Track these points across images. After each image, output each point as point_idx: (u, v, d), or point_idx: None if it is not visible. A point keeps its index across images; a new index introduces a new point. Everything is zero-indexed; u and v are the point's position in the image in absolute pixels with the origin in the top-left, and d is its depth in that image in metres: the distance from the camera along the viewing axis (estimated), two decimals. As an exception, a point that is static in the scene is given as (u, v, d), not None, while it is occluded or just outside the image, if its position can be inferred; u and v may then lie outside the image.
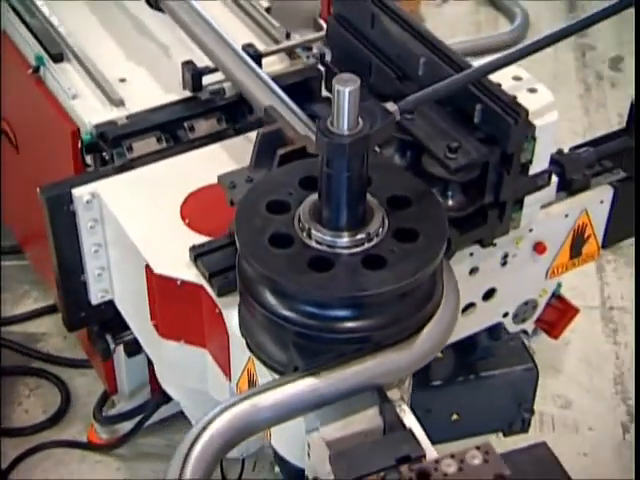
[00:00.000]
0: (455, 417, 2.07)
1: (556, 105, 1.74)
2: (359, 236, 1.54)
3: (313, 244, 1.55)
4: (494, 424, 2.15)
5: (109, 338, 2.35)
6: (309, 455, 1.62)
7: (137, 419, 2.69)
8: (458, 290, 1.69)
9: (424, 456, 1.46)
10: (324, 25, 3.88)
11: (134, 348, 2.45)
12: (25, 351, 2.96)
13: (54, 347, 3.00)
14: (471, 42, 4.11)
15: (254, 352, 1.67)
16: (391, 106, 1.54)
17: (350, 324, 1.54)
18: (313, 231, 1.55)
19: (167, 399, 2.61)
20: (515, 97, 1.71)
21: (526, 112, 1.65)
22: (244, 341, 1.71)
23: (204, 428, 1.50)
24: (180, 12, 2.21)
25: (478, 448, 1.30)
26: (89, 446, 2.76)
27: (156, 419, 2.71)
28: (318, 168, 1.56)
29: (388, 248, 1.54)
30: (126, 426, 2.72)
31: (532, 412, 2.12)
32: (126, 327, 2.34)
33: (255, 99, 2.05)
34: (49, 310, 3.05)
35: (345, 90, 1.43)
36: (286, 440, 1.72)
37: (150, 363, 2.55)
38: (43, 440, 2.78)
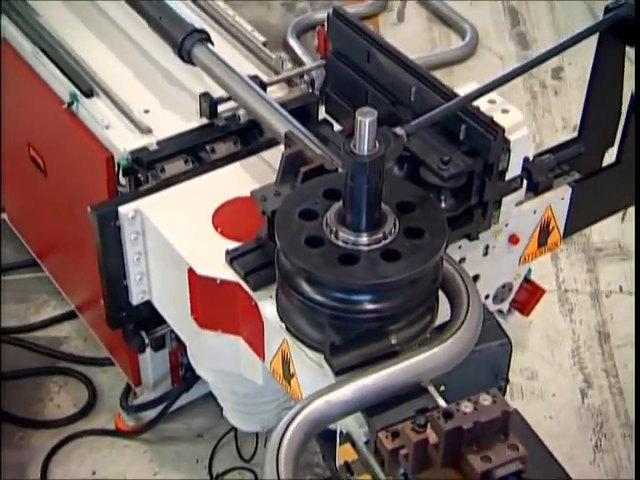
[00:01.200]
0: (443, 388, 2.44)
1: (526, 123, 2.12)
2: (377, 235, 1.86)
3: (340, 243, 1.87)
4: (476, 392, 2.53)
5: (144, 334, 2.69)
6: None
7: (160, 407, 2.94)
8: (480, 297, 1.99)
9: (438, 406, 1.84)
10: (294, 48, 4.26)
11: (160, 344, 2.76)
12: (52, 353, 3.23)
13: (76, 348, 3.27)
14: (428, 57, 4.46)
15: (293, 333, 1.99)
16: (400, 130, 1.92)
17: (373, 306, 1.87)
18: (340, 233, 1.87)
19: (187, 388, 2.92)
20: (492, 117, 2.10)
21: (502, 130, 2.04)
22: (278, 326, 2.04)
23: (289, 424, 1.76)
24: (208, 62, 2.54)
25: (488, 393, 1.69)
26: (118, 433, 3.03)
27: (177, 406, 2.96)
28: (336, 182, 1.92)
29: (401, 244, 1.87)
30: (150, 414, 2.97)
31: (507, 381, 2.49)
32: (156, 325, 2.69)
33: (270, 125, 2.38)
34: (68, 316, 3.32)
35: (366, 120, 1.76)
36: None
37: (171, 356, 2.89)
38: (76, 430, 3.03)
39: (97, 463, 2.98)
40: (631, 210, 3.70)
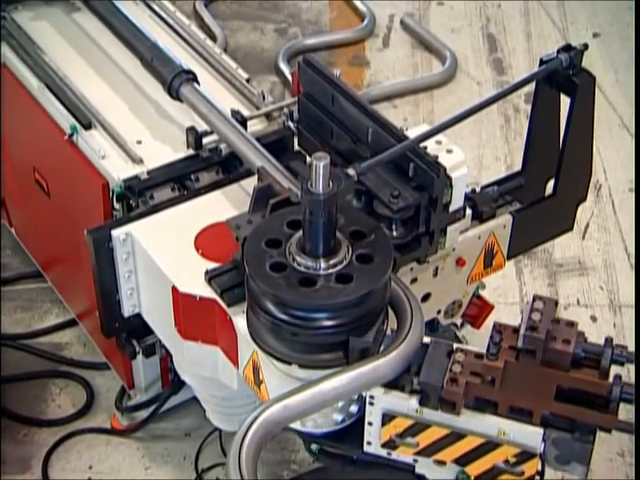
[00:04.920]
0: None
1: (466, 162, 2.39)
2: (332, 261, 2.14)
3: (302, 268, 2.14)
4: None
5: (135, 343, 2.97)
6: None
7: (151, 408, 3.19)
8: (422, 310, 2.24)
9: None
10: (285, 72, 4.57)
11: (151, 350, 3.02)
12: (54, 358, 3.49)
13: (76, 353, 3.52)
14: (410, 81, 4.75)
15: (261, 347, 2.24)
16: (351, 171, 2.21)
17: (329, 322, 2.13)
18: (299, 259, 2.14)
19: (175, 391, 3.16)
20: (437, 156, 2.38)
21: (444, 168, 2.32)
22: (250, 338, 2.30)
23: (251, 423, 2.02)
24: (193, 100, 2.83)
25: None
26: (113, 431, 3.27)
27: (166, 408, 3.20)
28: (300, 214, 2.21)
29: (353, 268, 2.15)
30: (142, 414, 3.23)
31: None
32: (147, 334, 2.95)
33: (246, 158, 2.67)
34: (69, 324, 3.59)
35: (320, 164, 2.03)
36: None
37: (162, 362, 3.15)
38: (75, 428, 3.28)
39: (93, 458, 3.24)
40: (591, 229, 4.02)
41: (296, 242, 2.18)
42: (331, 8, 5.26)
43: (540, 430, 2.06)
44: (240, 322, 2.36)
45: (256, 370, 2.38)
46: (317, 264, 2.14)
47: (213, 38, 4.91)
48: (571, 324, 2.00)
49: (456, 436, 2.12)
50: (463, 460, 2.15)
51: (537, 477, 2.13)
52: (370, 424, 2.21)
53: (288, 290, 2.11)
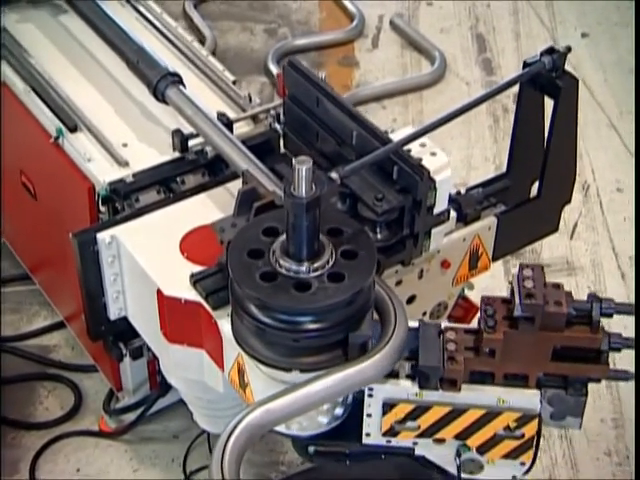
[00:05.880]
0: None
1: (449, 164, 2.39)
2: (320, 262, 2.11)
3: (292, 274, 2.11)
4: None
5: (122, 345, 2.97)
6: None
7: (139, 410, 3.17)
8: (405, 311, 2.24)
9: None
10: (274, 72, 4.57)
11: (138, 353, 3.02)
12: (42, 360, 3.49)
13: (64, 356, 3.52)
14: (399, 82, 4.76)
15: (246, 351, 2.23)
16: (334, 175, 2.22)
17: (330, 322, 2.12)
18: (287, 265, 2.12)
19: (163, 393, 3.16)
20: (421, 159, 2.38)
21: (428, 172, 2.32)
22: (234, 341, 2.31)
23: (234, 427, 2.03)
24: (179, 102, 2.83)
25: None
26: (101, 434, 3.27)
27: (154, 410, 3.20)
28: (273, 221, 2.19)
29: (341, 266, 2.12)
30: (130, 416, 3.22)
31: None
32: (133, 337, 2.94)
33: (232, 161, 2.67)
34: (58, 326, 3.58)
35: (303, 168, 2.03)
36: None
37: (149, 365, 3.16)
38: (63, 431, 3.28)
39: (81, 461, 3.24)
40: (579, 229, 4.03)
41: (279, 249, 2.17)
42: (321, 8, 5.26)
43: (537, 392, 2.15)
44: (225, 325, 2.36)
45: (241, 373, 2.39)
46: (307, 267, 2.13)
47: (202, 39, 4.91)
48: (557, 286, 2.08)
49: (457, 412, 2.17)
50: (464, 434, 2.21)
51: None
52: (369, 415, 2.23)
53: (285, 298, 2.09)
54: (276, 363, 2.21)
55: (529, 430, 2.18)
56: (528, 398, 2.16)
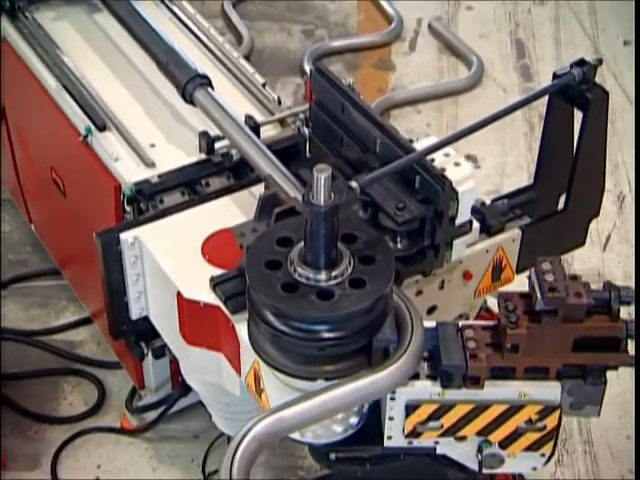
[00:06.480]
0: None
1: (473, 175, 2.37)
2: (340, 269, 2.09)
3: (313, 282, 2.10)
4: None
5: (143, 345, 2.98)
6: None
7: (161, 409, 3.21)
8: (423, 323, 2.20)
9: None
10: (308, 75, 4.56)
11: (160, 352, 3.03)
12: (67, 355, 3.52)
13: (90, 352, 3.55)
14: (435, 86, 4.74)
15: (262, 358, 2.22)
16: (354, 184, 2.20)
17: (354, 329, 2.10)
18: (307, 274, 2.10)
19: (185, 393, 3.17)
20: (444, 169, 2.36)
21: (450, 182, 2.30)
22: (251, 347, 2.33)
23: (244, 436, 2.03)
24: (206, 105, 2.82)
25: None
26: (122, 431, 3.30)
27: (176, 409, 3.23)
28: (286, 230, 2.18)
29: (360, 271, 2.10)
30: (152, 415, 3.25)
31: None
32: (155, 336, 2.93)
33: (256, 165, 2.67)
34: (84, 322, 3.61)
35: (322, 176, 2.01)
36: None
37: (172, 364, 3.17)
38: (85, 427, 3.31)
39: (102, 457, 3.27)
40: (612, 240, 3.97)
41: (297, 258, 2.15)
42: (359, 10, 5.24)
43: (558, 383, 2.16)
44: (243, 330, 2.34)
45: (257, 378, 2.38)
46: (327, 275, 2.12)
47: (240, 38, 4.93)
48: (575, 277, 2.08)
49: (480, 409, 2.17)
50: (486, 430, 2.21)
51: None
52: (391, 419, 2.22)
53: (310, 308, 2.08)
54: (297, 372, 2.20)
55: (550, 422, 2.19)
56: (550, 390, 2.17)
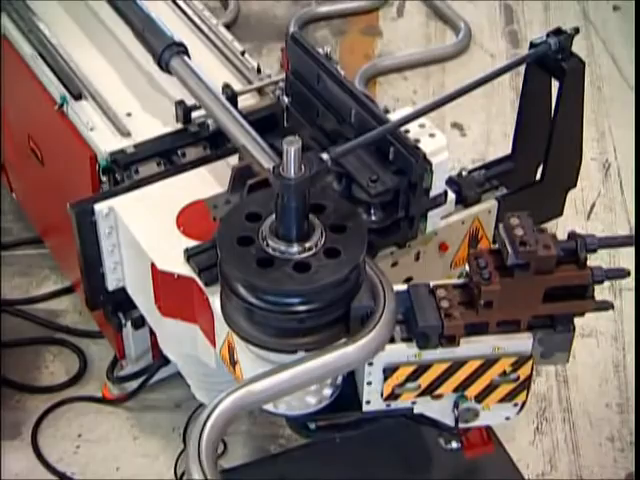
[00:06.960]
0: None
1: (447, 146, 2.35)
2: (313, 240, 2.08)
3: (288, 256, 2.07)
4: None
5: (121, 315, 2.97)
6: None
7: (142, 379, 3.19)
8: (395, 297, 2.18)
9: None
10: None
11: (139, 323, 3.00)
12: (49, 325, 3.51)
13: (72, 321, 3.53)
14: (422, 53, 4.69)
15: (235, 331, 2.21)
16: (325, 156, 2.18)
17: (333, 298, 2.09)
18: (281, 247, 2.08)
19: (165, 363, 3.14)
20: (418, 140, 2.34)
21: (424, 154, 2.29)
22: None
23: (212, 410, 2.03)
24: (182, 73, 2.79)
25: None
26: (103, 400, 3.29)
27: (157, 379, 3.21)
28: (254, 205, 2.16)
29: (334, 240, 2.09)
30: (133, 384, 3.23)
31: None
32: (133, 307, 2.94)
33: (231, 135, 2.64)
34: (67, 291, 3.60)
35: (291, 148, 2.00)
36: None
37: (152, 334, 3.15)
38: (66, 396, 3.30)
39: (83, 427, 3.26)
40: (597, 209, 3.95)
41: (268, 232, 2.13)
42: (347, -25, 5.18)
43: (530, 334, 2.19)
44: (217, 302, 2.33)
45: (231, 350, 2.38)
46: (302, 247, 2.10)
47: (226, 4, 4.87)
48: (542, 230, 2.11)
49: (456, 366, 2.20)
50: (462, 387, 2.24)
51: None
52: (369, 384, 2.23)
53: (289, 281, 2.06)
54: (275, 346, 2.18)
55: (523, 372, 2.23)
56: (521, 342, 2.19)
